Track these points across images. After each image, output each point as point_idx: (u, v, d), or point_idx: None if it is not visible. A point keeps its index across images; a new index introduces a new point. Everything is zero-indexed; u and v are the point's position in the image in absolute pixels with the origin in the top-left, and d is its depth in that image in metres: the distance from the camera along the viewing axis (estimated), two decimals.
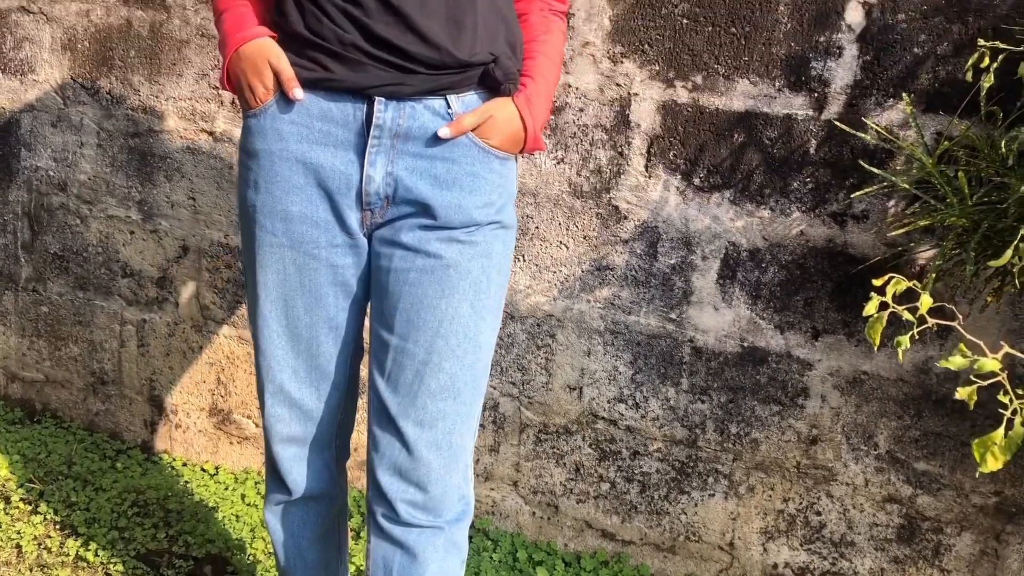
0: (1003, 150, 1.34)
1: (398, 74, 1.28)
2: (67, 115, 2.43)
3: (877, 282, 1.15)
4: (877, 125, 1.73)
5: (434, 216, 1.33)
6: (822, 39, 1.77)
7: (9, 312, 2.64)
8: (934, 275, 1.42)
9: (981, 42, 1.37)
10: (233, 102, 2.25)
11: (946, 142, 1.52)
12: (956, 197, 1.37)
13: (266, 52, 1.30)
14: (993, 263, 1.19)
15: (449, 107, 1.32)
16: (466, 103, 1.33)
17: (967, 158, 1.48)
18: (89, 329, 2.55)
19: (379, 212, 1.35)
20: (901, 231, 1.60)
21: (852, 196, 1.77)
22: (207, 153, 2.30)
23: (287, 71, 1.29)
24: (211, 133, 2.29)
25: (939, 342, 1.78)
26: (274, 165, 1.34)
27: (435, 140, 1.31)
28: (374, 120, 1.29)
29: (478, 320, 1.38)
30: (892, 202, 1.75)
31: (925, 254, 1.73)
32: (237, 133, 2.26)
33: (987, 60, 1.36)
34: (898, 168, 1.73)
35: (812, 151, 1.81)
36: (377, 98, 1.28)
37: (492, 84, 1.34)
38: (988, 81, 1.35)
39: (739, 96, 1.84)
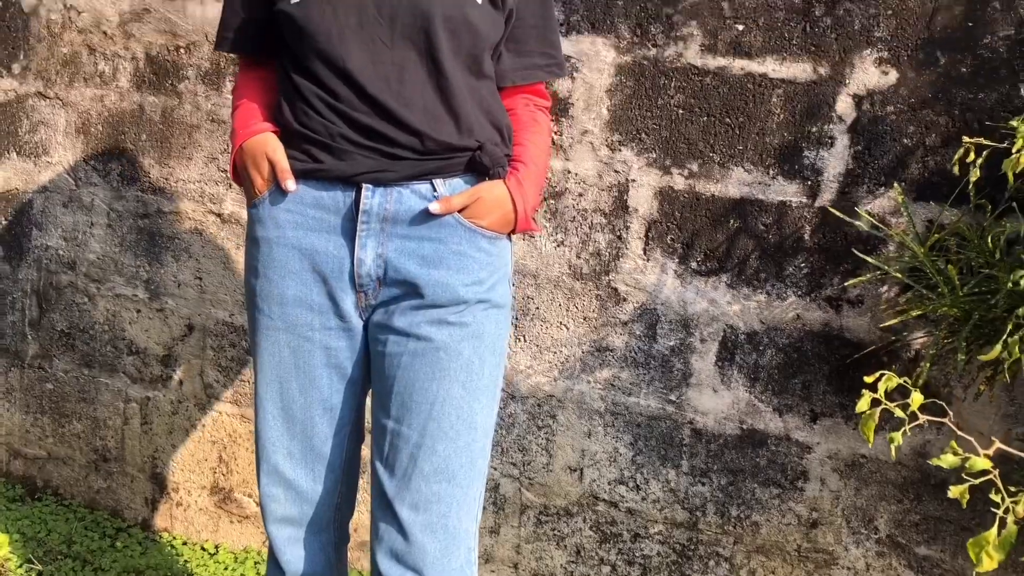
0: (989, 244, 1.37)
1: (384, 161, 1.34)
2: (79, 196, 2.48)
3: (868, 379, 1.18)
4: (869, 213, 1.77)
5: (422, 295, 1.37)
6: (814, 129, 1.82)
7: (14, 389, 2.66)
8: (928, 364, 1.44)
9: (966, 139, 1.41)
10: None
11: (935, 235, 1.56)
12: (947, 287, 1.40)
13: (264, 146, 1.39)
14: (983, 357, 1.22)
15: (435, 191, 1.37)
16: (452, 187, 1.39)
17: (957, 247, 1.52)
18: (93, 406, 2.56)
19: (372, 294, 1.40)
20: (895, 320, 1.62)
21: (846, 284, 1.80)
22: (214, 234, 2.35)
23: (281, 163, 1.37)
24: (219, 215, 2.33)
25: (936, 426, 1.79)
26: (272, 251, 1.40)
27: (422, 221, 1.36)
28: (362, 205, 1.35)
29: (471, 401, 1.40)
30: (885, 287, 1.78)
31: (920, 339, 1.75)
32: (244, 215, 2.31)
33: (972, 155, 1.40)
34: (891, 254, 1.76)
35: (806, 237, 1.85)
36: (364, 185, 1.35)
37: (480, 169, 1.40)
38: (974, 175, 1.39)
39: (734, 183, 1.89)
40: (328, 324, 1.41)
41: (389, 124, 1.33)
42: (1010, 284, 1.17)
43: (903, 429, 1.13)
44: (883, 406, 1.13)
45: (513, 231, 1.44)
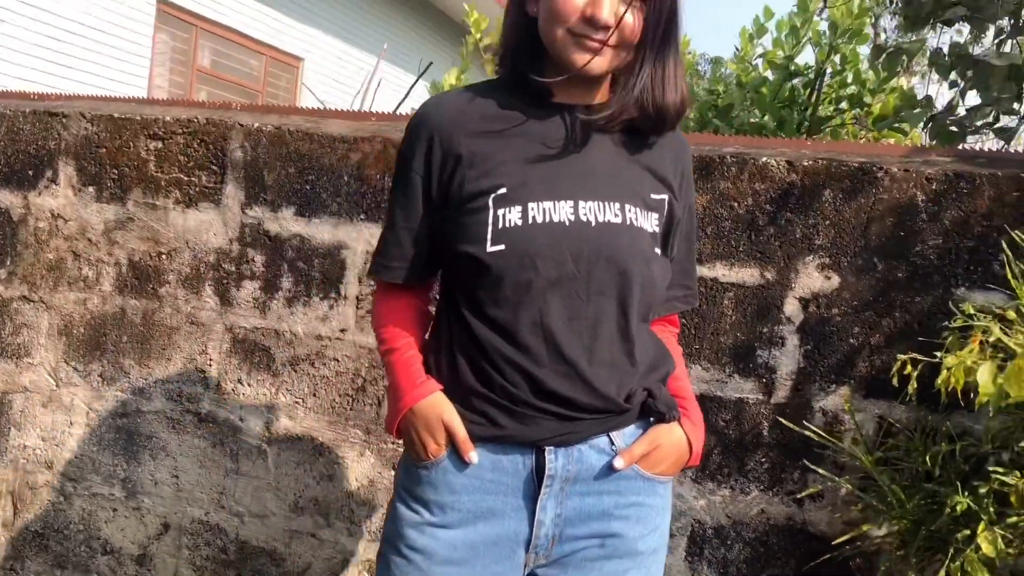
0: (928, 462, 1.44)
1: (567, 424, 1.28)
2: (58, 396, 2.53)
3: None
4: (823, 410, 1.85)
5: (598, 550, 1.32)
6: (765, 330, 1.92)
7: None
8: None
9: (900, 356, 1.50)
10: (219, 385, 2.36)
11: (882, 447, 1.63)
12: (895, 497, 1.46)
13: (439, 411, 1.30)
14: None
15: (612, 443, 1.31)
16: (626, 435, 1.33)
17: (905, 454, 1.58)
18: None
19: (543, 554, 1.33)
20: (849, 536, 1.67)
21: (800, 496, 1.86)
22: (192, 433, 2.39)
23: (461, 432, 1.28)
24: (197, 414, 2.38)
25: None
26: (446, 515, 1.31)
27: (602, 475, 1.30)
28: (547, 471, 1.28)
29: None
30: (843, 485, 1.84)
31: (880, 535, 1.80)
32: (222, 414, 2.36)
33: (909, 368, 1.49)
34: (846, 450, 1.83)
35: (765, 433, 1.92)
36: (548, 448, 1.28)
37: (654, 415, 1.35)
38: (912, 387, 1.47)
39: (693, 380, 1.96)
40: None
41: (576, 386, 1.27)
42: (948, 510, 1.23)
43: None
44: None
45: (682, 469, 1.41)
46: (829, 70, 3.56)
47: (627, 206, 1.29)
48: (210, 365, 2.38)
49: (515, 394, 1.26)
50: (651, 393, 1.34)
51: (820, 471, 1.75)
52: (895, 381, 1.57)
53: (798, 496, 1.89)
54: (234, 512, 2.36)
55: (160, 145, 2.42)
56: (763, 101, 3.53)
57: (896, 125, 3.07)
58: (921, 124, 2.78)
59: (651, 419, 1.35)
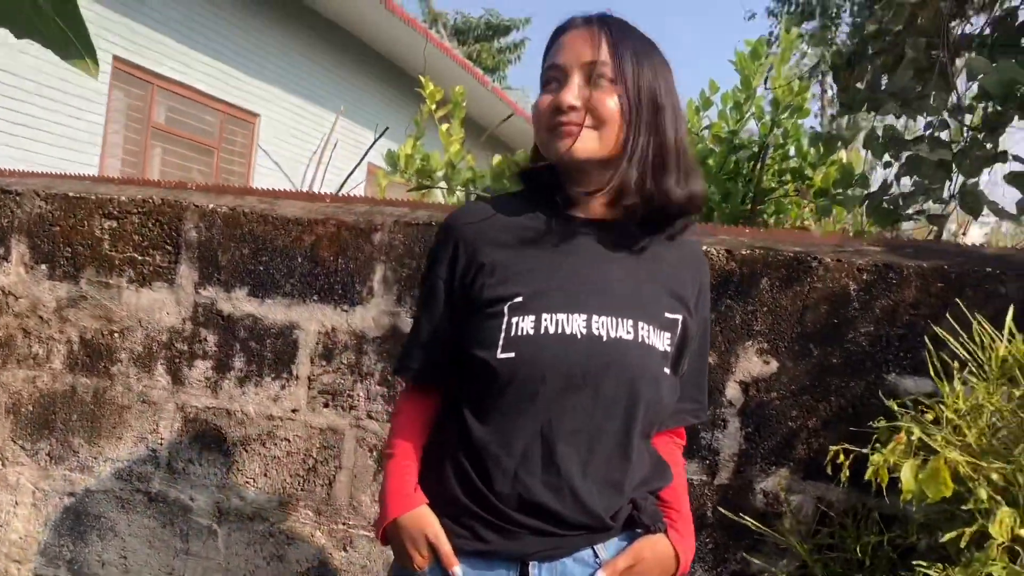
0: (859, 552, 1.50)
1: (552, 539, 1.29)
2: (4, 475, 2.50)
3: None
4: (764, 491, 1.91)
5: None
6: (708, 412, 1.98)
7: None
8: None
9: (832, 448, 1.56)
10: (170, 464, 2.36)
11: (815, 539, 1.68)
12: None
13: (423, 525, 1.31)
14: None
15: (596, 556, 1.31)
16: (610, 548, 1.33)
17: (840, 540, 1.64)
18: None
19: None
20: None
21: None
22: (141, 512, 2.37)
23: (445, 547, 1.29)
24: (147, 494, 2.37)
25: None
26: None
27: None
28: None
29: None
30: (780, 574, 1.89)
31: None
32: (172, 493, 2.35)
33: (841, 457, 1.55)
34: (788, 527, 1.89)
35: (709, 514, 1.97)
36: (532, 563, 1.29)
37: (639, 526, 1.35)
38: (844, 476, 1.53)
39: None
40: None
41: (564, 500, 1.27)
42: None
43: None
44: None
45: None
46: (772, 144, 3.69)
47: (640, 323, 1.29)
48: (161, 444, 2.38)
49: (501, 508, 1.27)
50: (636, 505, 1.34)
51: (756, 561, 1.80)
52: (828, 470, 1.63)
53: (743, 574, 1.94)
54: None
55: (115, 224, 2.44)
56: (709, 173, 3.65)
57: (839, 198, 3.19)
58: (857, 204, 2.89)
59: (637, 530, 1.34)
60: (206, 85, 8.69)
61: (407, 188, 3.82)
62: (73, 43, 0.97)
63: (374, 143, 4.40)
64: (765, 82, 3.53)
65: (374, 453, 2.20)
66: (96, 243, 2.45)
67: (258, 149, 9.30)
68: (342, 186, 4.20)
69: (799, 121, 3.76)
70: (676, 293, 1.36)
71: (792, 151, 3.70)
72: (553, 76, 1.30)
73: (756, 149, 3.69)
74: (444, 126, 3.83)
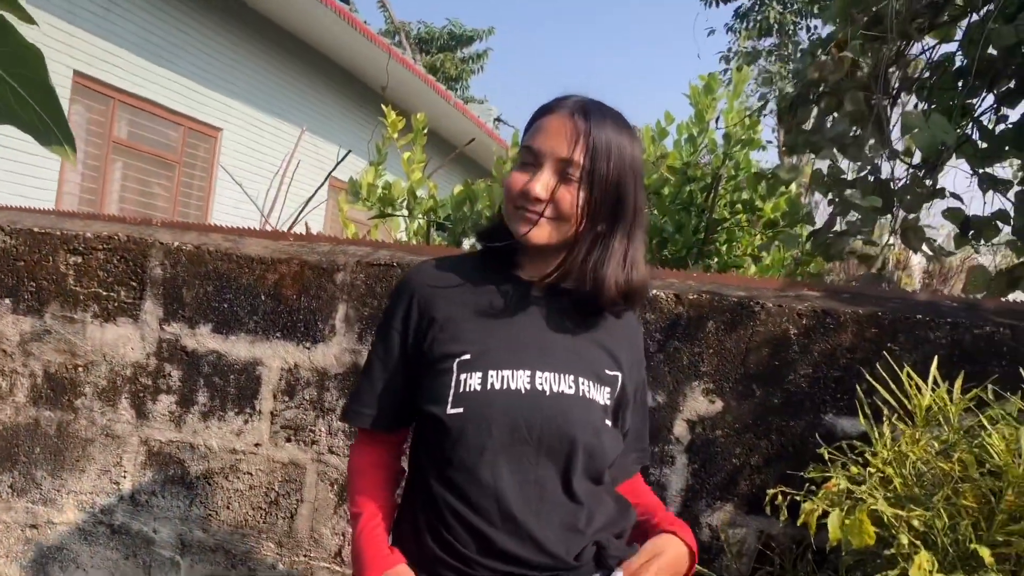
0: None
1: None
2: None
3: None
4: (709, 525, 2.00)
5: None
6: (656, 449, 2.07)
7: None
8: None
9: (769, 491, 1.66)
10: (133, 497, 2.40)
11: None
12: None
13: None
14: None
15: None
16: None
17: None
18: None
19: None
20: None
21: None
22: (104, 544, 2.41)
23: None
24: (110, 526, 2.41)
25: None
26: None
27: None
28: None
29: None
30: None
31: None
32: (135, 525, 2.39)
33: (780, 498, 1.64)
34: (726, 563, 1.98)
35: None
36: None
37: (605, 565, 1.40)
38: (783, 517, 1.63)
39: None
40: None
41: (526, 545, 1.33)
42: None
43: None
44: None
45: None
46: (724, 175, 3.82)
47: (581, 379, 1.38)
48: (124, 477, 2.42)
49: (468, 556, 1.33)
50: (600, 545, 1.40)
51: None
52: (768, 510, 1.73)
53: None
54: None
55: (80, 260, 2.47)
56: (663, 204, 3.76)
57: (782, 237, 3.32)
58: (802, 239, 3.01)
59: (612, 564, 1.39)
60: (168, 99, 8.67)
61: (368, 216, 3.88)
62: (52, 130, 1.03)
63: (335, 167, 4.46)
64: (717, 120, 3.65)
65: (335, 487, 2.26)
66: (61, 278, 2.49)
67: (220, 159, 9.28)
68: (303, 208, 4.25)
69: (750, 153, 3.90)
70: (613, 354, 1.45)
71: (744, 183, 3.83)
72: (529, 160, 1.39)
73: (709, 180, 3.81)
74: (406, 154, 3.90)
